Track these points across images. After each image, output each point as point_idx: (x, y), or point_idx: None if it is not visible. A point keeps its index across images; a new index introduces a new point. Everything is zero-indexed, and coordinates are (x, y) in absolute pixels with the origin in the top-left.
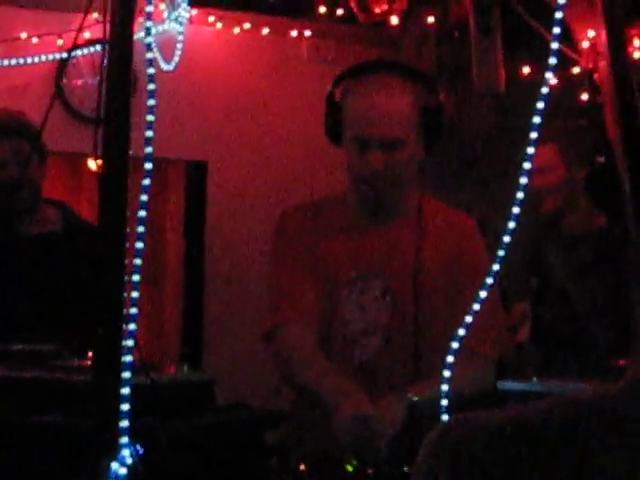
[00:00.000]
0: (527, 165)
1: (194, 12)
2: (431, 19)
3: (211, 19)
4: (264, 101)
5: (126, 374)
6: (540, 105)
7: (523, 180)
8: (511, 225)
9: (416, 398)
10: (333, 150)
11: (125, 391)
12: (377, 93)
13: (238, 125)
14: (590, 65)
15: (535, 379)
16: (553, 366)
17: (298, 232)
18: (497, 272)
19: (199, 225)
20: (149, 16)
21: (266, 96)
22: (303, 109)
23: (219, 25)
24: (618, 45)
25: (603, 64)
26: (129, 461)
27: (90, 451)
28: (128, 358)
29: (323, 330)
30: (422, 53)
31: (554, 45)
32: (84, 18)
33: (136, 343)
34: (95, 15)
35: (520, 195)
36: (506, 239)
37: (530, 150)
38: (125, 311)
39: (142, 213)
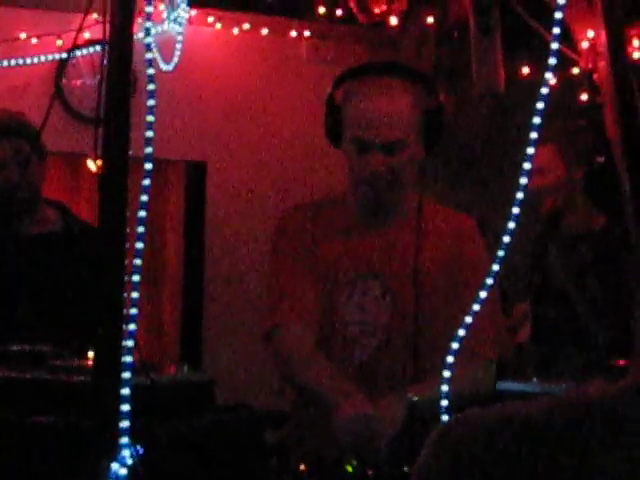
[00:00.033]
0: (527, 165)
1: (193, 13)
2: (430, 19)
3: (210, 20)
4: (263, 101)
5: (126, 374)
6: (540, 105)
7: (523, 180)
8: (511, 225)
9: (416, 398)
10: (333, 150)
11: (125, 391)
12: (377, 95)
13: (238, 125)
14: (590, 65)
15: (535, 379)
16: (553, 366)
17: (298, 232)
18: (497, 272)
19: (199, 225)
20: (149, 17)
21: (265, 96)
22: (302, 109)
23: (218, 25)
24: (618, 45)
25: (603, 64)
26: (129, 461)
27: (90, 451)
28: (128, 358)
29: (323, 330)
30: (421, 53)
31: (554, 45)
32: (84, 18)
33: (136, 343)
34: (95, 15)
35: (520, 195)
36: (506, 239)
37: (530, 150)
38: (125, 311)
39: (142, 213)
